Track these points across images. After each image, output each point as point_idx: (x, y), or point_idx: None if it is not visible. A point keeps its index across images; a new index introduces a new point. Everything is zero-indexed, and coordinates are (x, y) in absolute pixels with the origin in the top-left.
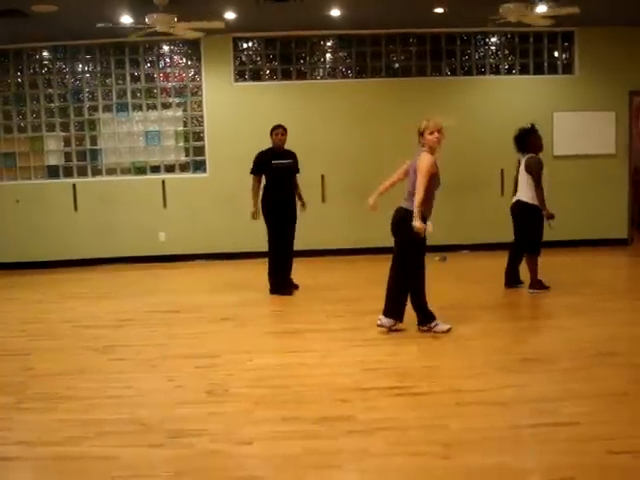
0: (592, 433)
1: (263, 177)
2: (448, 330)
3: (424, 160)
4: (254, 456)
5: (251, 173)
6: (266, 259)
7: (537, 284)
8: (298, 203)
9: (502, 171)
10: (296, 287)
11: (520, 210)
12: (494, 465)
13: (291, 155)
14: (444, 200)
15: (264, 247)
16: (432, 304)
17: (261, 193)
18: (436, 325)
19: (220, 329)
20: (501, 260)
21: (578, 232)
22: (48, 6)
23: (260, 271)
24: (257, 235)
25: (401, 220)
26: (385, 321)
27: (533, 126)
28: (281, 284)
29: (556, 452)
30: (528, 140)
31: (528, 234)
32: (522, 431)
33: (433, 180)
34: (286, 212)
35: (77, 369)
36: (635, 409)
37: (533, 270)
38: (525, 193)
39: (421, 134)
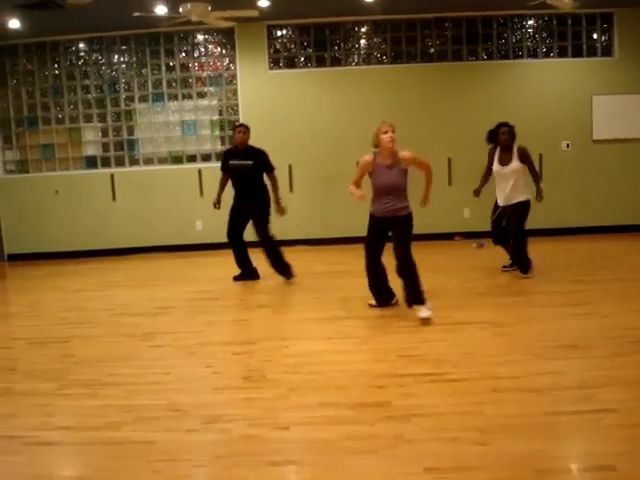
0: (631, 420)
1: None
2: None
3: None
4: (290, 441)
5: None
6: (298, 246)
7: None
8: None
9: (540, 156)
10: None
11: None
12: (531, 452)
13: (254, 155)
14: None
15: (297, 235)
16: (467, 291)
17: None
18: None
19: (257, 316)
20: (534, 246)
21: (616, 217)
22: None
23: (295, 259)
24: (290, 223)
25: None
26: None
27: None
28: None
29: (594, 439)
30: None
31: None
32: (559, 418)
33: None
34: (243, 211)
35: (117, 356)
36: None
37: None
38: None
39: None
